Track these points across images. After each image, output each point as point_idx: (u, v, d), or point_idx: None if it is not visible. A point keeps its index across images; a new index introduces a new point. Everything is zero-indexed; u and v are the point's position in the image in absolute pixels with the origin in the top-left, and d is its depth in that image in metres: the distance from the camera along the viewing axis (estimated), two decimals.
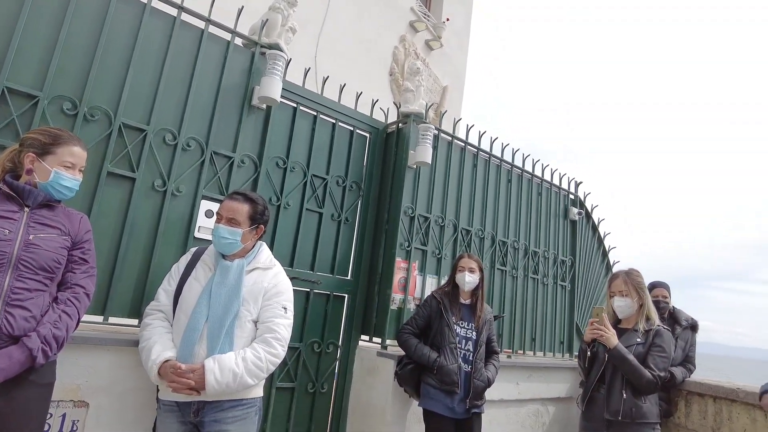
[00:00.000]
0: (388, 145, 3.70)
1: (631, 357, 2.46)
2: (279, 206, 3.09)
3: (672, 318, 3.62)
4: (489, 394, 3.16)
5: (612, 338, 2.51)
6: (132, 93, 2.49)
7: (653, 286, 3.66)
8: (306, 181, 3.25)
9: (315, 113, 3.35)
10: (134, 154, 2.47)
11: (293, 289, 2.83)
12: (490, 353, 3.02)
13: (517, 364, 3.89)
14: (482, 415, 2.91)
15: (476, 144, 4.10)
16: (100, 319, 2.33)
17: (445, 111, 5.18)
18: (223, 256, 2.12)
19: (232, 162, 2.82)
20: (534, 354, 4.36)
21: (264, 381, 2.13)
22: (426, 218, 3.60)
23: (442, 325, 2.87)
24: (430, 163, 3.50)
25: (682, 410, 3.63)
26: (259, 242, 2.23)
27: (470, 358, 2.85)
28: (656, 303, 3.61)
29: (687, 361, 3.58)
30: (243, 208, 2.11)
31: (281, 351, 2.00)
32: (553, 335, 4.58)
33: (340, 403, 3.30)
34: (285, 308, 2.09)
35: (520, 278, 4.30)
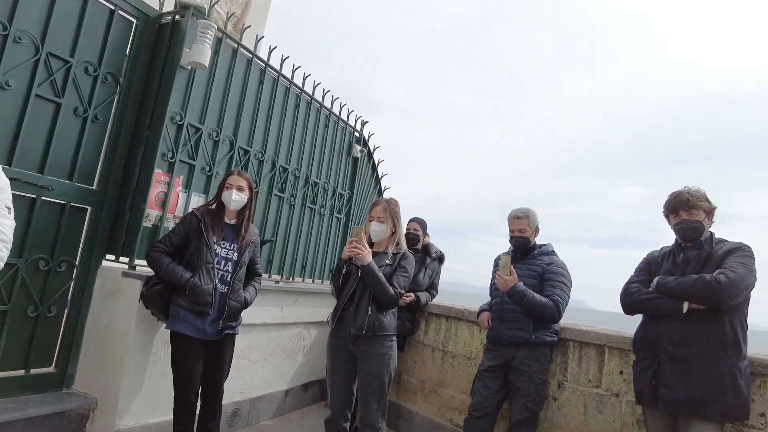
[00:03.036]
0: (160, 38, 3.16)
1: (380, 273, 2.65)
2: None
3: (425, 250, 4.05)
4: (251, 317, 3.10)
5: (367, 256, 2.66)
6: None
7: (409, 220, 4.06)
8: (39, 59, 2.58)
9: None
10: None
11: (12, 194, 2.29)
12: (252, 275, 2.93)
13: (284, 289, 3.93)
14: (237, 337, 2.84)
15: (265, 59, 3.82)
16: None
17: (246, 26, 4.70)
18: None
19: None
20: (303, 280, 4.47)
21: None
22: (197, 129, 3.23)
23: (201, 245, 2.65)
24: (208, 66, 3.11)
25: (422, 329, 4.17)
26: None
27: (228, 279, 2.71)
28: (407, 234, 4.00)
29: (432, 287, 4.08)
30: None
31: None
32: (324, 263, 4.75)
33: (74, 329, 2.86)
34: (8, 208, 1.76)
35: (297, 206, 4.29)
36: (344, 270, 2.78)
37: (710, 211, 2.47)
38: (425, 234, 4.09)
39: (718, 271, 2.29)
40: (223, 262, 2.71)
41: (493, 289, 3.27)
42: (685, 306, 2.34)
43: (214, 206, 2.81)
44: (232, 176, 2.79)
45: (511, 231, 3.22)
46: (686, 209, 2.44)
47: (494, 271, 3.25)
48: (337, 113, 4.78)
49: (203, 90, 3.27)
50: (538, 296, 2.97)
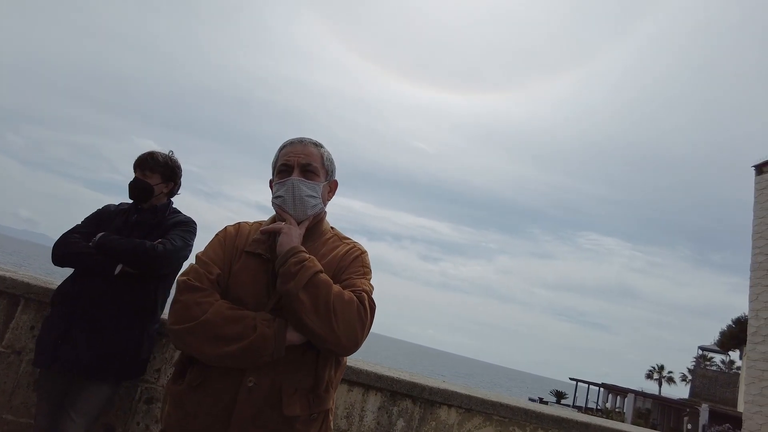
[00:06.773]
0: None
1: None
2: None
3: None
4: None
5: None
6: None
7: None
8: None
9: None
10: None
11: None
12: None
13: None
14: None
15: None
16: None
17: None
18: None
19: None
20: None
21: None
22: None
23: None
24: None
25: None
26: None
27: None
28: None
29: None
30: None
31: None
32: None
33: None
34: None
35: None
36: None
37: (169, 180, 2.55)
38: None
39: (159, 240, 2.36)
40: None
41: None
42: (118, 268, 2.30)
43: None
44: None
45: None
46: (142, 169, 2.46)
47: None
48: None
49: None
50: None
